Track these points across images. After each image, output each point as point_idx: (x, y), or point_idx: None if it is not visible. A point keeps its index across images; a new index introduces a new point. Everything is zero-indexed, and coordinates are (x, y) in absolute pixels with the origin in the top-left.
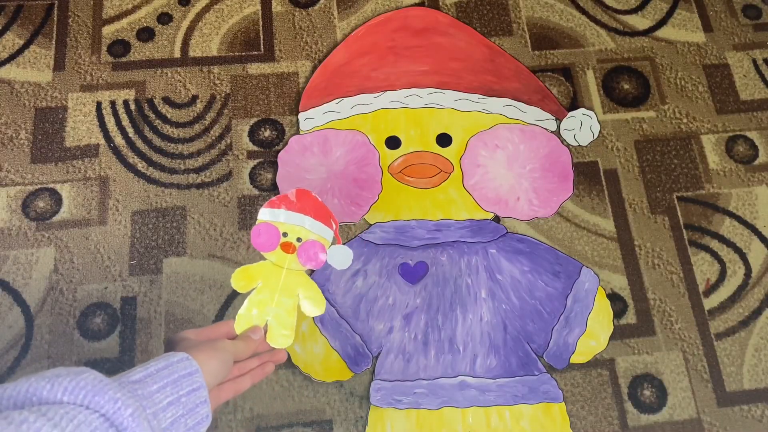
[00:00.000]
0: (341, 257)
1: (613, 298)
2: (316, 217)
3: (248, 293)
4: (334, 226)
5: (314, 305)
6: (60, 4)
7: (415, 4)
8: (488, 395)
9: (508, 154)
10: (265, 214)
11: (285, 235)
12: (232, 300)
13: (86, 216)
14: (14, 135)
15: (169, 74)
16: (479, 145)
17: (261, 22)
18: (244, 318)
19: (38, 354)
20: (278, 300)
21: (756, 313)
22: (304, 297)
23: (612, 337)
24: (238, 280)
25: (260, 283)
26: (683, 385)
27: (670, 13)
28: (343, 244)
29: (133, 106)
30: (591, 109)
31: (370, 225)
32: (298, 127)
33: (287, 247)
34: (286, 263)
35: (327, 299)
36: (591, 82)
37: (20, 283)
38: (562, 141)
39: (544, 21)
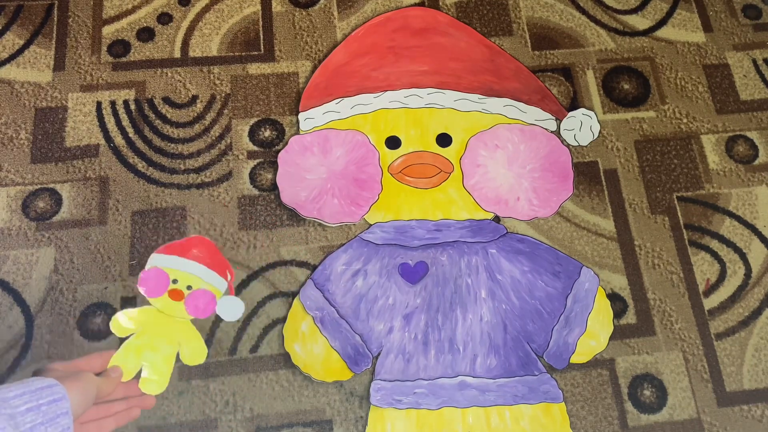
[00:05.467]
0: (231, 309)
1: (613, 298)
2: (210, 266)
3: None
4: (229, 277)
5: (194, 355)
6: (60, 4)
7: (415, 4)
8: (488, 395)
9: (508, 154)
10: (156, 259)
11: (175, 281)
12: None
13: (86, 216)
14: (14, 135)
15: (169, 74)
16: (479, 145)
17: (261, 22)
18: (118, 361)
19: (38, 354)
20: (157, 346)
21: (756, 313)
22: (185, 346)
23: (612, 337)
24: (117, 324)
25: (140, 328)
26: (683, 385)
27: (670, 13)
28: (236, 295)
29: (133, 106)
30: (591, 109)
31: (370, 225)
32: (298, 127)
33: (175, 294)
34: (172, 311)
35: (327, 299)
36: (591, 82)
37: (20, 283)
38: (562, 141)
39: (544, 21)
